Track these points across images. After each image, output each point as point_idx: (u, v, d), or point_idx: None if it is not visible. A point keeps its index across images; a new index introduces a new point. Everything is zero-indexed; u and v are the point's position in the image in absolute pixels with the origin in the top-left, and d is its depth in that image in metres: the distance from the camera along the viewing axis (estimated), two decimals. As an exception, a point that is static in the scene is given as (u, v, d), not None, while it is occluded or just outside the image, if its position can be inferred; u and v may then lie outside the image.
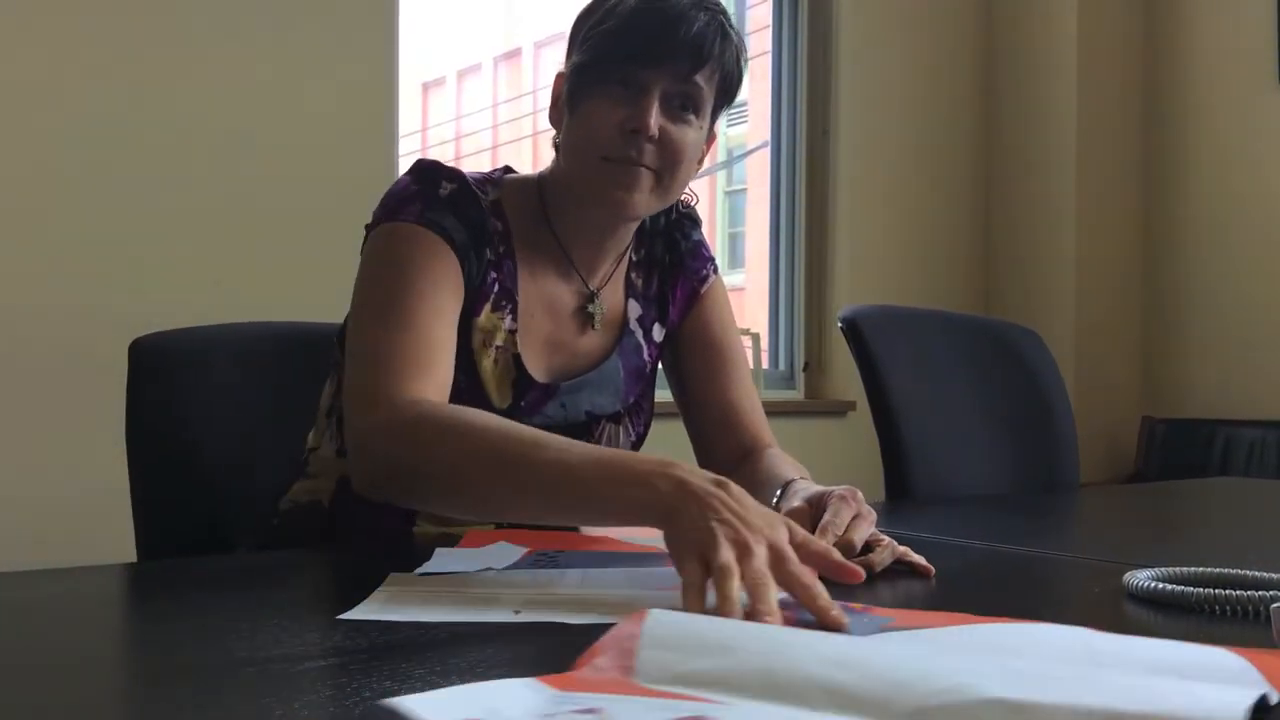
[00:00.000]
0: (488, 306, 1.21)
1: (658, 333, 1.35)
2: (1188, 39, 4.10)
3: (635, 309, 1.34)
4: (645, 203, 1.20)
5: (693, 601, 0.76)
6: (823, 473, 1.26)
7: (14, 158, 2.48)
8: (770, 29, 4.00)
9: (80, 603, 0.92)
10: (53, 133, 2.53)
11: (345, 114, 2.87)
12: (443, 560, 1.01)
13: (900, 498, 1.74)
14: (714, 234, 9.67)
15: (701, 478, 0.85)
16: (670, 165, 1.18)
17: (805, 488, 1.12)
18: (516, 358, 1.22)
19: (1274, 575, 0.90)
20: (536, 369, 1.24)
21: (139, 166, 2.61)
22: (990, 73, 4.26)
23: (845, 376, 3.79)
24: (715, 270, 1.40)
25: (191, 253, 2.66)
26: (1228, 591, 0.83)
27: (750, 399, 1.38)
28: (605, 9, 1.19)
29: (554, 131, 1.26)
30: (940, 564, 1.00)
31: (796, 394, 3.92)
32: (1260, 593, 0.83)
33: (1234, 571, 0.91)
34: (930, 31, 4.11)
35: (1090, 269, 4.05)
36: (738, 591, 0.75)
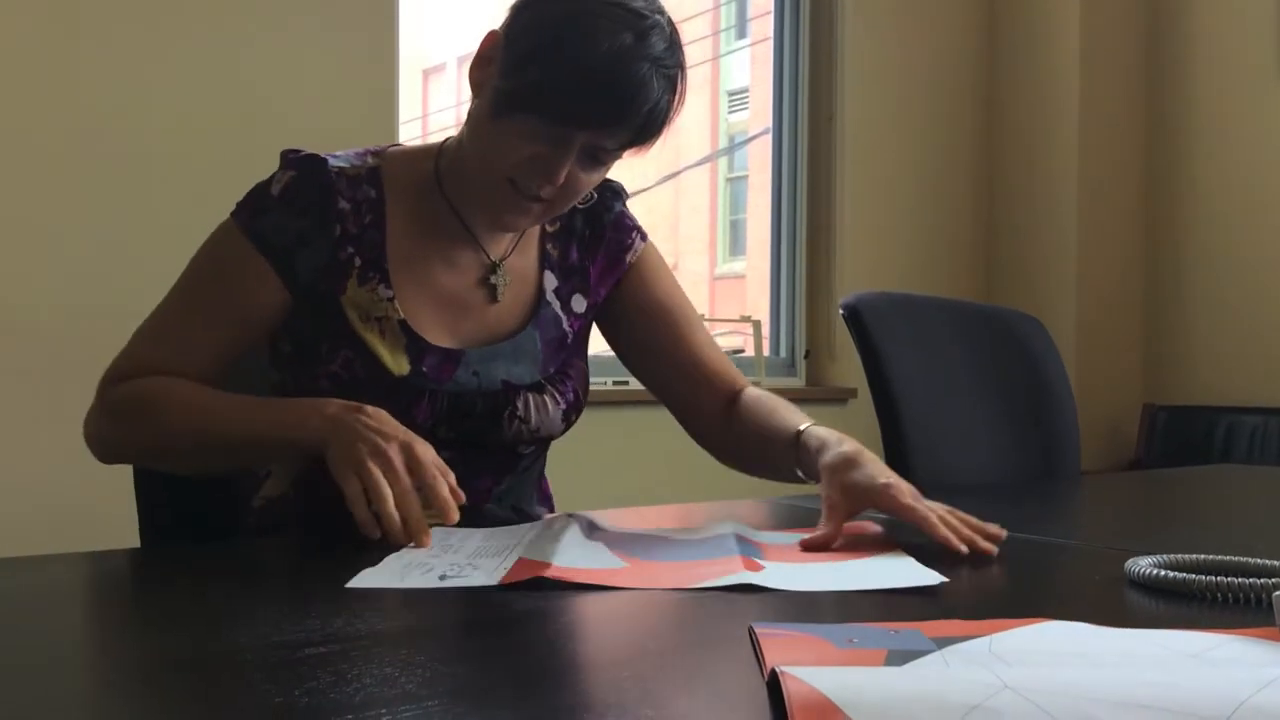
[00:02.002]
0: (352, 282, 1.21)
1: (578, 303, 1.34)
2: (1191, 29, 4.08)
3: (551, 280, 1.33)
4: (530, 224, 1.25)
5: (359, 510, 0.99)
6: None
7: (17, 151, 2.48)
8: (772, 15, 3.99)
9: (82, 589, 0.92)
10: (55, 127, 2.52)
11: (346, 101, 2.87)
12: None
13: (901, 485, 1.74)
14: (715, 221, 9.64)
15: (343, 408, 1.07)
16: (566, 201, 1.20)
17: (829, 454, 1.14)
18: (403, 323, 1.21)
19: (1275, 562, 0.90)
20: (434, 333, 1.23)
21: (139, 157, 2.60)
22: (993, 60, 4.25)
23: (846, 364, 3.79)
24: (644, 238, 1.38)
25: (193, 243, 2.65)
26: (1229, 579, 0.83)
27: (714, 348, 1.39)
28: (555, 32, 1.11)
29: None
30: (942, 551, 1.00)
31: (798, 381, 3.92)
32: (1262, 580, 0.83)
33: (1236, 558, 0.91)
34: (933, 18, 4.10)
35: (1092, 256, 4.05)
36: (394, 511, 0.98)
